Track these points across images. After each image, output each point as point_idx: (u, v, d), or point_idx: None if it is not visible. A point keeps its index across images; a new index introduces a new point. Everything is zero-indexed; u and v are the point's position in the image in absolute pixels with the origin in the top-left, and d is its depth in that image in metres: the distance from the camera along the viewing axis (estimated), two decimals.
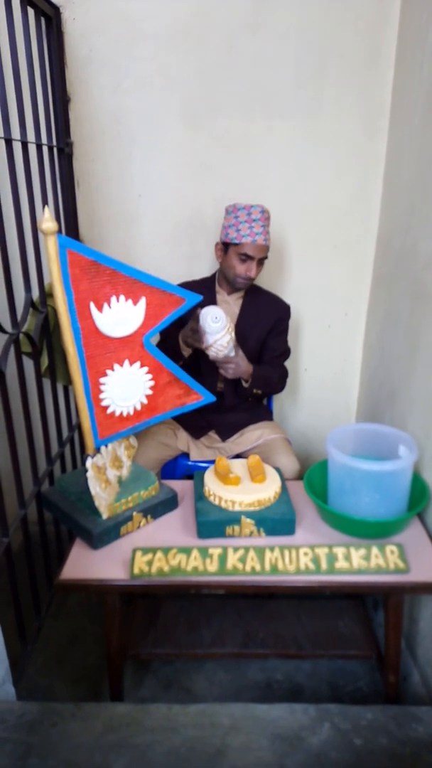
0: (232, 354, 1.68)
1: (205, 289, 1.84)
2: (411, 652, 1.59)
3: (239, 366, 1.72)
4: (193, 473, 1.64)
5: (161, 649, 1.54)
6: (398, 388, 1.77)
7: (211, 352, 1.67)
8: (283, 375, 1.95)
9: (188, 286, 1.79)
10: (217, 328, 1.61)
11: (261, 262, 1.76)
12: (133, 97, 1.88)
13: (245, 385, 1.81)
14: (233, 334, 1.67)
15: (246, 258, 1.72)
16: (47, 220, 1.16)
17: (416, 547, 1.39)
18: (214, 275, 1.91)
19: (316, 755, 1.17)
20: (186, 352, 1.75)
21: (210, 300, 1.85)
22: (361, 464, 1.38)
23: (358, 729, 1.22)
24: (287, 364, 1.97)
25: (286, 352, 1.96)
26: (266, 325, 1.88)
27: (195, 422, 1.91)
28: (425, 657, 1.50)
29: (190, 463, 1.90)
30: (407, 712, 1.26)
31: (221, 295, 1.87)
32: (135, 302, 1.35)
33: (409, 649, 1.61)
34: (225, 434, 1.91)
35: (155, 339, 1.52)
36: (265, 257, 1.77)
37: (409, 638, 1.61)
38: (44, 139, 1.67)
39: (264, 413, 1.98)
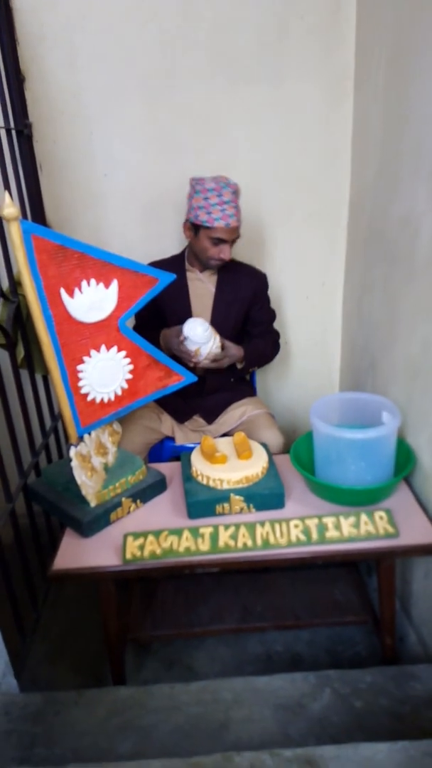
0: (221, 351, 1.68)
1: (176, 268, 1.79)
2: (406, 614, 1.62)
3: (232, 356, 1.73)
4: (180, 455, 1.63)
5: (160, 630, 1.55)
6: (379, 355, 1.77)
7: (204, 362, 1.67)
8: (276, 340, 1.95)
9: (158, 265, 1.75)
10: (208, 335, 1.62)
11: (234, 241, 1.72)
12: (90, 72, 1.81)
13: (239, 367, 1.79)
14: (217, 337, 1.66)
15: (219, 241, 1.67)
16: (8, 206, 1.12)
17: (404, 511, 1.40)
18: (183, 253, 1.86)
19: (318, 720, 1.19)
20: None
21: (180, 278, 1.80)
22: (345, 433, 1.38)
23: (358, 692, 1.24)
24: (276, 324, 1.97)
25: (272, 318, 1.94)
26: (245, 299, 1.85)
27: (179, 407, 1.89)
28: (420, 617, 1.53)
29: (176, 445, 1.89)
30: (405, 672, 1.29)
31: (193, 272, 1.82)
32: (107, 285, 1.32)
33: (404, 610, 1.63)
34: (210, 417, 1.90)
35: (131, 322, 1.50)
36: (238, 236, 1.72)
37: (403, 600, 1.64)
38: (1, 122, 1.61)
39: (247, 390, 1.97)
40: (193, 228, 1.70)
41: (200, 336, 1.61)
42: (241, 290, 1.84)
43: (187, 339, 1.64)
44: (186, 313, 1.78)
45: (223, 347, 1.71)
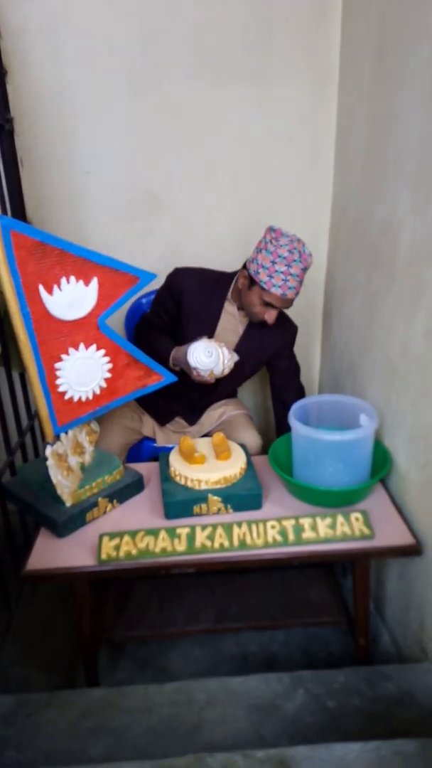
0: (234, 360, 1.62)
1: (218, 291, 1.72)
2: (380, 614, 1.64)
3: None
4: (159, 455, 1.62)
5: (135, 631, 1.54)
6: (358, 358, 1.79)
7: (219, 376, 1.61)
8: (301, 392, 1.89)
9: (203, 276, 1.71)
10: (212, 361, 1.54)
11: (285, 307, 1.66)
12: (74, 67, 1.79)
13: None
14: (224, 348, 1.57)
15: (269, 305, 1.61)
16: None
17: (380, 513, 1.42)
18: (232, 276, 1.75)
19: (291, 721, 1.20)
20: (176, 369, 1.65)
21: (217, 303, 1.73)
22: (323, 435, 1.39)
23: (331, 692, 1.25)
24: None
25: (296, 369, 1.89)
26: (270, 349, 1.79)
27: (160, 409, 1.88)
28: (393, 618, 1.54)
29: (157, 446, 1.88)
30: (377, 672, 1.30)
31: (230, 305, 1.74)
32: (87, 283, 1.30)
33: (378, 611, 1.65)
34: (191, 418, 1.89)
35: (110, 321, 1.49)
36: (290, 306, 1.65)
37: (377, 601, 1.66)
38: None
39: (228, 391, 1.97)
40: (249, 279, 1.63)
41: (208, 363, 1.55)
42: (269, 339, 1.77)
43: (197, 369, 1.58)
44: (208, 337, 1.72)
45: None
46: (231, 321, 1.75)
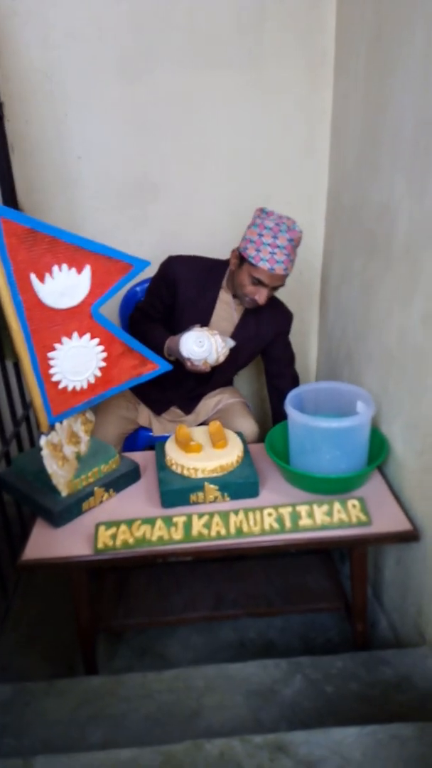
0: (229, 347, 1.60)
1: (211, 277, 1.70)
2: (378, 600, 1.64)
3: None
4: (155, 444, 1.62)
5: (133, 619, 1.55)
6: (354, 345, 1.78)
7: (214, 364, 1.60)
8: (295, 379, 1.89)
9: (198, 263, 1.69)
10: (204, 351, 1.52)
11: (276, 288, 1.63)
12: (65, 51, 1.76)
13: None
14: (216, 336, 1.54)
15: (258, 282, 1.58)
16: None
17: (377, 499, 1.42)
18: (226, 266, 1.72)
19: (289, 706, 1.20)
20: (171, 358, 1.62)
21: (212, 292, 1.70)
22: (320, 422, 1.39)
23: (329, 677, 1.26)
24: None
25: (290, 357, 1.87)
26: (266, 337, 1.77)
27: (156, 398, 1.87)
28: (391, 603, 1.55)
29: (151, 434, 1.87)
30: (375, 657, 1.31)
31: (225, 293, 1.72)
32: (79, 271, 1.29)
33: (376, 597, 1.66)
34: (187, 408, 1.88)
35: (104, 309, 1.47)
36: (281, 285, 1.63)
37: (375, 587, 1.66)
38: None
39: (224, 379, 1.96)
40: (240, 258, 1.61)
41: (200, 353, 1.53)
42: (264, 327, 1.75)
43: (191, 359, 1.56)
44: (203, 325, 1.70)
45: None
46: (226, 309, 1.73)
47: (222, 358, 1.58)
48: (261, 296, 1.60)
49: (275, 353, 1.83)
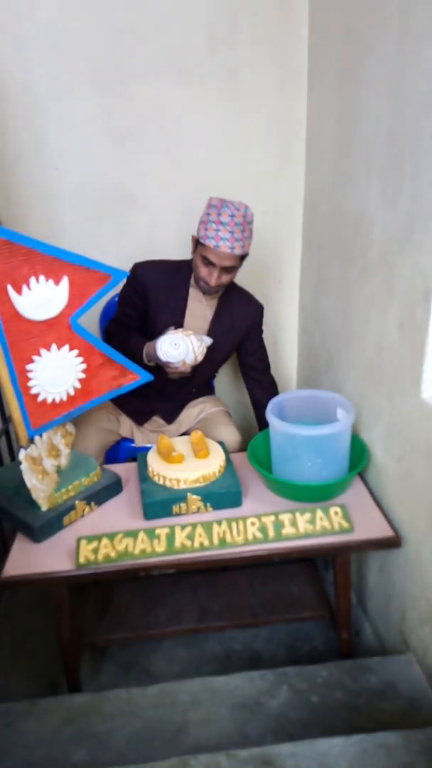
0: (206, 345, 1.61)
1: (179, 277, 1.70)
2: (362, 607, 1.64)
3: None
4: (136, 455, 1.60)
5: (117, 633, 1.52)
6: (334, 353, 1.79)
7: (193, 364, 1.60)
8: (269, 370, 1.92)
9: (163, 265, 1.69)
10: (181, 353, 1.53)
11: (229, 270, 1.59)
12: (40, 64, 1.75)
13: None
14: (191, 336, 1.55)
15: (208, 262, 1.57)
16: None
17: (359, 506, 1.42)
18: (190, 262, 1.71)
19: (275, 718, 1.19)
20: (150, 364, 1.63)
21: (182, 292, 1.71)
22: (301, 430, 1.39)
23: (314, 687, 1.25)
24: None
25: (264, 348, 1.89)
26: (241, 330, 1.78)
27: (137, 408, 1.85)
28: (375, 611, 1.55)
29: (136, 446, 1.86)
30: (360, 665, 1.31)
31: (195, 290, 1.71)
32: (57, 282, 1.28)
33: (360, 604, 1.66)
34: (169, 417, 1.87)
35: (83, 320, 1.46)
36: (235, 267, 1.60)
37: (359, 594, 1.66)
38: None
39: (205, 388, 1.96)
40: (195, 243, 1.61)
41: (177, 355, 1.53)
42: (238, 320, 1.76)
43: (169, 362, 1.56)
44: (178, 327, 1.70)
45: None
46: (198, 307, 1.73)
47: (200, 357, 1.58)
48: (212, 277, 1.59)
49: (252, 346, 1.85)
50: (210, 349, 1.64)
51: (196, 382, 1.84)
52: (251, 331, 1.82)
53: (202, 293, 1.71)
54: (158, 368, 1.61)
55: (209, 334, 1.73)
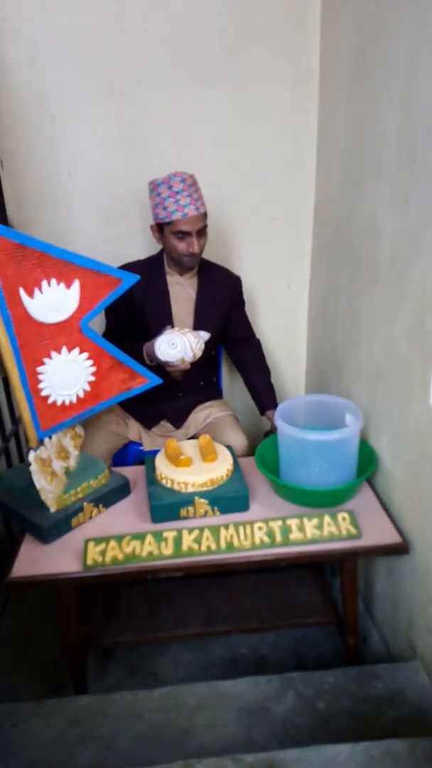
0: (203, 340, 1.64)
1: (154, 270, 1.74)
2: (369, 614, 1.64)
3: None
4: (144, 458, 1.61)
5: (123, 636, 1.53)
6: (343, 358, 1.79)
7: (192, 360, 1.62)
8: (262, 354, 1.98)
9: (133, 266, 1.72)
10: (179, 351, 1.56)
11: (202, 232, 1.65)
12: (53, 69, 1.78)
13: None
14: (188, 334, 1.58)
15: (183, 234, 1.63)
16: None
17: (367, 512, 1.42)
18: (160, 254, 1.78)
19: (281, 723, 1.19)
20: (152, 364, 1.65)
21: (160, 282, 1.74)
22: (309, 435, 1.39)
23: (321, 693, 1.25)
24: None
25: (247, 319, 1.94)
26: (224, 303, 1.82)
27: (146, 412, 1.86)
28: (382, 617, 1.54)
29: (144, 450, 1.86)
30: (367, 672, 1.30)
31: (172, 276, 1.76)
32: (68, 285, 1.29)
33: (367, 610, 1.65)
34: (177, 422, 1.88)
35: (94, 323, 1.47)
36: (205, 226, 1.66)
37: (366, 600, 1.66)
38: None
39: (213, 393, 1.96)
40: (159, 229, 1.67)
41: (175, 354, 1.56)
42: (220, 294, 1.80)
43: (168, 362, 1.59)
44: (167, 318, 1.74)
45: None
46: (179, 290, 1.76)
47: (199, 353, 1.60)
48: (193, 245, 1.63)
49: (237, 317, 1.88)
50: (204, 326, 1.70)
51: (201, 371, 1.86)
52: (235, 303, 1.86)
53: (180, 275, 1.75)
54: (160, 367, 1.64)
55: (196, 309, 1.77)
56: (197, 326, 1.76)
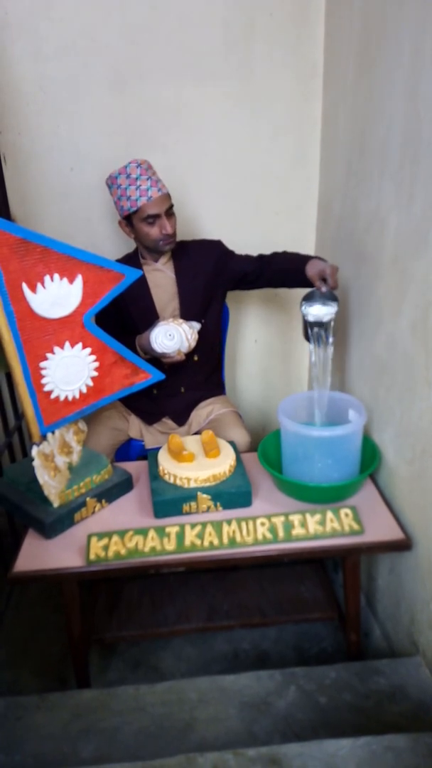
0: (196, 330, 1.64)
1: (132, 265, 1.75)
2: (371, 609, 1.64)
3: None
4: (147, 454, 1.61)
5: (126, 631, 1.53)
6: (346, 354, 1.78)
7: (188, 350, 1.63)
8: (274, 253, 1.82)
9: None
10: (176, 342, 1.57)
11: (170, 212, 1.65)
12: (56, 63, 1.77)
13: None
14: (183, 325, 1.58)
15: (153, 218, 1.61)
16: None
17: (370, 508, 1.42)
18: (136, 250, 1.80)
19: (283, 718, 1.19)
20: (146, 357, 1.63)
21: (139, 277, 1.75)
22: (312, 431, 1.39)
23: (322, 688, 1.25)
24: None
25: (256, 256, 1.82)
26: (208, 271, 1.77)
27: (147, 409, 1.86)
28: (384, 613, 1.55)
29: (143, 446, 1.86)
30: (369, 667, 1.30)
31: (149, 265, 1.76)
32: (71, 280, 1.29)
33: (369, 606, 1.65)
34: (179, 419, 1.87)
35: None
36: (171, 206, 1.65)
37: (369, 596, 1.66)
38: None
39: (216, 389, 1.96)
40: (127, 222, 1.66)
41: (172, 346, 1.57)
42: (201, 264, 1.77)
43: (165, 353, 1.60)
44: (151, 307, 1.74)
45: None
46: (159, 276, 1.76)
47: (193, 343, 1.62)
48: (165, 227, 1.63)
49: (237, 267, 1.78)
50: (188, 300, 1.70)
51: (203, 367, 1.86)
52: (224, 261, 1.79)
53: (155, 261, 1.75)
54: (156, 360, 1.64)
55: (178, 287, 1.75)
56: (183, 301, 1.74)
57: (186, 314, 1.73)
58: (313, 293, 1.51)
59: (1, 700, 1.26)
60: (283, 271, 1.75)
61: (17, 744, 1.15)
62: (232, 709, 1.21)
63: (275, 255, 1.77)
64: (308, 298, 1.50)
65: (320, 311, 1.47)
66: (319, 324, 1.47)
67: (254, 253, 1.88)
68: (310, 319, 1.48)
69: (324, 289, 1.50)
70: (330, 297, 1.49)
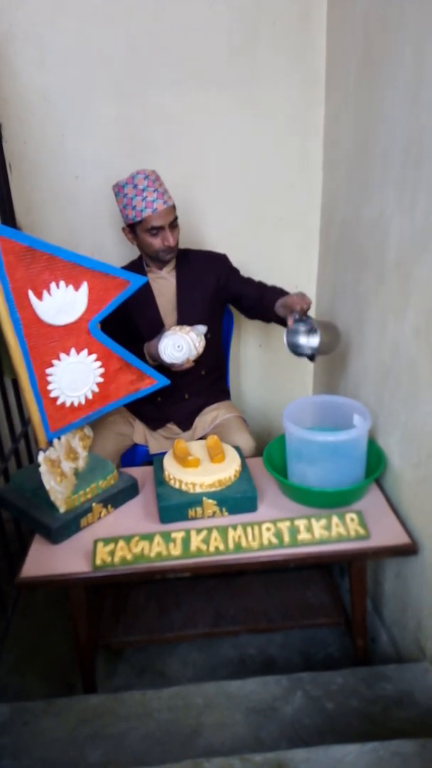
0: (202, 333, 1.65)
1: (136, 273, 1.76)
2: (378, 615, 1.63)
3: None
4: (153, 459, 1.62)
5: (132, 636, 1.54)
6: (350, 359, 1.79)
7: (195, 357, 1.64)
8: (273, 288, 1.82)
9: None
10: (185, 353, 1.58)
11: (174, 225, 1.67)
12: (61, 72, 1.79)
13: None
14: (190, 334, 1.59)
15: (157, 230, 1.64)
16: None
17: (375, 513, 1.42)
18: (140, 256, 1.82)
19: (289, 723, 1.19)
20: (154, 364, 1.65)
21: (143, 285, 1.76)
22: (317, 436, 1.39)
23: (329, 694, 1.25)
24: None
25: (260, 283, 1.84)
26: (208, 282, 1.79)
27: (152, 415, 1.87)
28: (391, 618, 1.54)
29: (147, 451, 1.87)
30: (376, 673, 1.30)
31: (153, 273, 1.78)
32: (76, 288, 1.30)
33: (376, 611, 1.65)
34: (184, 424, 1.88)
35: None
36: (176, 218, 1.67)
37: (375, 601, 1.65)
38: None
39: (220, 394, 1.96)
40: (131, 230, 1.68)
41: (181, 357, 1.58)
42: (203, 275, 1.79)
43: (174, 363, 1.61)
44: (154, 314, 1.76)
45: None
46: (161, 283, 1.78)
47: (201, 349, 1.63)
48: (168, 239, 1.65)
49: (236, 289, 1.81)
50: (187, 308, 1.73)
51: (208, 373, 1.86)
52: (222, 276, 1.80)
53: (159, 269, 1.77)
54: (163, 366, 1.65)
55: (178, 295, 1.77)
56: (182, 309, 1.76)
57: (184, 323, 1.72)
58: (295, 329, 1.58)
59: (8, 705, 1.27)
60: (268, 310, 1.76)
61: (25, 749, 1.15)
62: (239, 715, 1.21)
63: (272, 290, 1.78)
64: (289, 333, 1.58)
65: (302, 344, 1.60)
66: (302, 356, 1.59)
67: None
68: (292, 352, 1.59)
69: (295, 323, 1.56)
70: (309, 330, 1.58)
